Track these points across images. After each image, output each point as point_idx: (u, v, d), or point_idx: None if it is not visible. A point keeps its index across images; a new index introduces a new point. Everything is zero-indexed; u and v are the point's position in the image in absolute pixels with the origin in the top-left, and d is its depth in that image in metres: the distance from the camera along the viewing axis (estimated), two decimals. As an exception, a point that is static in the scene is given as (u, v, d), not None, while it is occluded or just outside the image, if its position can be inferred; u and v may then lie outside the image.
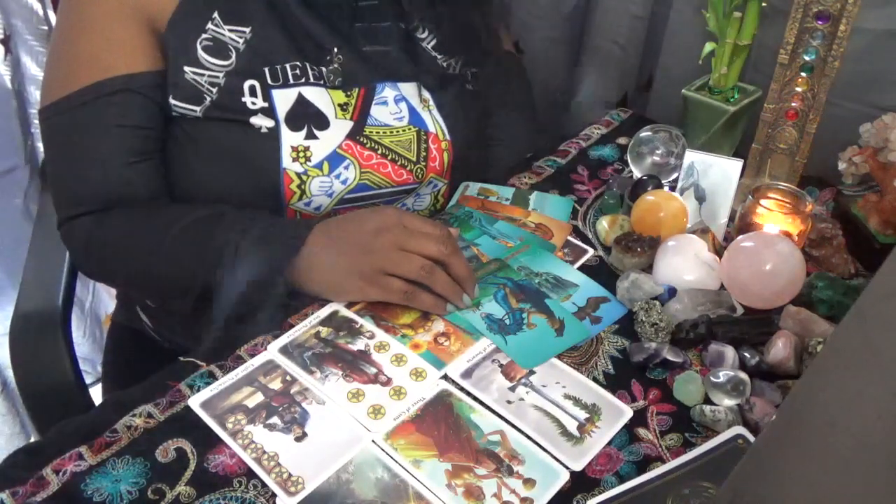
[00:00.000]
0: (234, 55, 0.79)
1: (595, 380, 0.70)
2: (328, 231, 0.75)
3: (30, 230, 0.98)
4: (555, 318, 0.75)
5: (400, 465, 0.61)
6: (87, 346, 1.57)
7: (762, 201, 0.83)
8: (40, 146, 1.31)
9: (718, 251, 0.80)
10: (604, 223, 0.87)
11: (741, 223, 0.84)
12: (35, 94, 1.30)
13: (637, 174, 0.96)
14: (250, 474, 0.60)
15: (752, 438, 0.63)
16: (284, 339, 0.72)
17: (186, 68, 0.78)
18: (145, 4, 0.77)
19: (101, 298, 1.61)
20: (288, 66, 0.82)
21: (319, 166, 0.82)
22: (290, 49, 0.82)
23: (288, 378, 0.68)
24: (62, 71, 0.79)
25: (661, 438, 0.65)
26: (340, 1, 0.84)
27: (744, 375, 0.67)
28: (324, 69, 0.84)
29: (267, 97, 0.80)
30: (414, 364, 0.70)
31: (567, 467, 0.62)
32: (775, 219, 0.81)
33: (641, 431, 0.65)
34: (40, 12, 1.25)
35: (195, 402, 0.66)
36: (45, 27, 1.27)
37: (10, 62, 1.25)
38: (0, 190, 1.29)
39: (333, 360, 0.70)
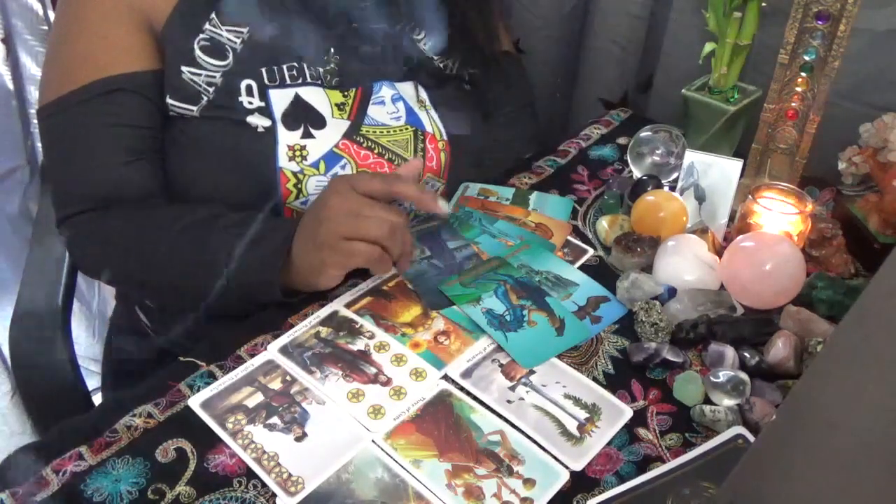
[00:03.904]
0: (231, 55, 0.80)
1: (595, 380, 0.70)
2: (299, 223, 0.74)
3: (30, 230, 0.98)
4: (555, 317, 0.75)
5: (400, 465, 0.61)
6: (96, 348, 1.56)
7: (762, 201, 0.83)
8: (41, 146, 1.31)
9: (718, 251, 0.80)
10: (604, 223, 0.87)
11: (741, 223, 0.84)
12: (35, 94, 1.29)
13: (637, 174, 0.96)
14: (250, 474, 0.60)
15: (752, 438, 0.63)
16: (284, 339, 0.72)
17: (184, 68, 0.78)
18: (143, 4, 0.77)
19: (107, 299, 1.60)
20: (285, 66, 0.82)
21: (316, 165, 0.82)
22: (287, 49, 0.82)
23: (288, 378, 0.68)
24: (60, 70, 0.79)
25: (661, 438, 0.65)
26: (337, 1, 0.84)
27: (744, 375, 0.67)
28: (321, 69, 0.84)
29: (264, 97, 0.80)
30: (414, 364, 0.70)
31: (567, 467, 0.62)
32: (775, 219, 0.81)
33: (641, 431, 0.65)
34: (40, 12, 1.25)
35: (195, 402, 0.66)
36: (45, 27, 1.26)
37: (10, 62, 1.25)
38: (0, 190, 1.29)
39: (333, 360, 0.70)
